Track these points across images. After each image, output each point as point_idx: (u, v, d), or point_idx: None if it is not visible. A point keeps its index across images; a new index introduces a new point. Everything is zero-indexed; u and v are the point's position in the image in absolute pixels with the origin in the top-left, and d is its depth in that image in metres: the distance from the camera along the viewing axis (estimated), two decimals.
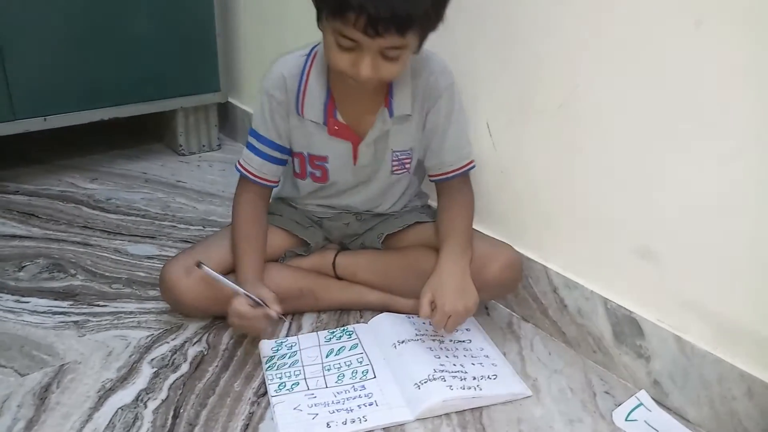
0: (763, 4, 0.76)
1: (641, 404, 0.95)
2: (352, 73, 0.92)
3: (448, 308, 0.98)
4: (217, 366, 1.02)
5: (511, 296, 1.18)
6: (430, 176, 1.13)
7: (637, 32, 0.90)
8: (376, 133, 1.05)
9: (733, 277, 0.87)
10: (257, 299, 0.99)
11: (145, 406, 0.94)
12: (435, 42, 1.16)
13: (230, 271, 1.09)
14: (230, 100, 1.91)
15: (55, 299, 1.18)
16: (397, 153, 1.09)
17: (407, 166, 1.11)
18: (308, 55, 1.05)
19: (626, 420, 0.94)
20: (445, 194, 1.12)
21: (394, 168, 1.11)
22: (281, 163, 1.11)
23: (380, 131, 1.05)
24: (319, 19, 0.93)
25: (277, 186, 1.15)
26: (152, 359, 1.03)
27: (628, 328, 1.00)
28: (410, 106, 1.04)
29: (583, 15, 0.96)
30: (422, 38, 0.95)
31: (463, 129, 1.09)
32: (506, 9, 1.07)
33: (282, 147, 1.09)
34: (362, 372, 1.01)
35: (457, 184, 1.11)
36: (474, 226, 1.12)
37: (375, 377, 0.99)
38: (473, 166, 1.11)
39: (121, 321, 1.12)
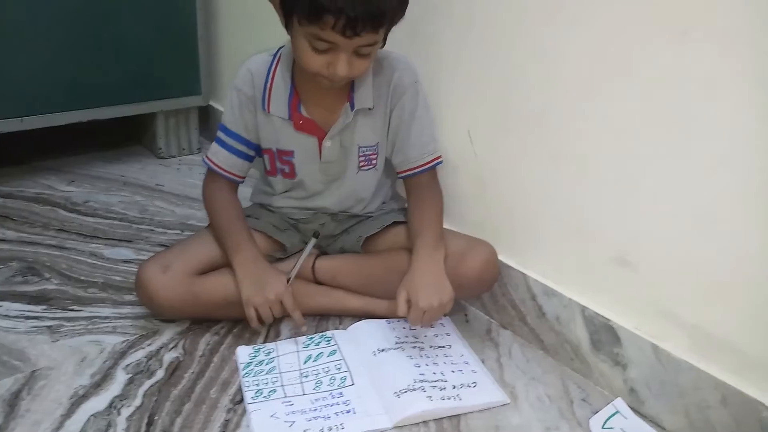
0: (748, 14, 0.77)
1: (618, 412, 0.96)
2: (328, 73, 0.96)
3: (423, 304, 0.99)
4: (193, 372, 1.01)
5: (489, 303, 1.18)
6: (398, 173, 1.15)
7: (621, 41, 0.91)
8: (339, 126, 1.08)
9: (710, 286, 0.88)
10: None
11: (119, 413, 0.92)
12: (419, 50, 1.17)
13: (209, 270, 1.09)
14: (211, 103, 1.89)
15: (28, 303, 1.15)
16: (363, 148, 1.12)
17: (374, 162, 1.13)
18: (274, 55, 1.10)
19: (603, 428, 0.94)
20: (413, 193, 1.14)
21: (361, 164, 1.12)
22: (247, 158, 1.14)
23: (343, 124, 1.08)
24: (288, 24, 0.96)
25: (242, 182, 1.17)
26: (127, 365, 1.02)
27: (605, 336, 1.01)
28: (371, 99, 1.08)
29: (565, 24, 0.97)
30: (387, 32, 0.99)
31: (427, 125, 1.12)
32: (489, 19, 1.08)
33: (248, 141, 1.12)
34: (340, 379, 1.00)
35: (425, 181, 1.13)
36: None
37: (353, 384, 0.99)
38: (440, 162, 1.13)
39: (96, 326, 1.11)
